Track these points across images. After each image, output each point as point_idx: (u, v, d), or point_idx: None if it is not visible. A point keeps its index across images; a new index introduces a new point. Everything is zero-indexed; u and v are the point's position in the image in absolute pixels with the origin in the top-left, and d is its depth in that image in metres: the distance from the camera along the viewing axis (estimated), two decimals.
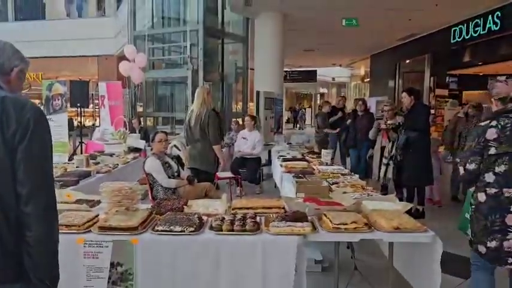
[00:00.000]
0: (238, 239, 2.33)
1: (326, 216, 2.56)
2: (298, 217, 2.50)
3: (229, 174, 6.60)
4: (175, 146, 7.43)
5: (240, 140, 7.16)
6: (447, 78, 12.12)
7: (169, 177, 4.23)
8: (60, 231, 2.28)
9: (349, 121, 7.30)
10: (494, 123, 2.47)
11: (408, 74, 14.25)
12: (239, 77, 11.83)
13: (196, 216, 2.54)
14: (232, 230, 2.36)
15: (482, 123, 2.55)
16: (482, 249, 2.53)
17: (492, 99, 2.59)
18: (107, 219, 2.41)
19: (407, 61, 14.08)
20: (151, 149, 4.50)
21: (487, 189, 2.47)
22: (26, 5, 19.74)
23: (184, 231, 2.33)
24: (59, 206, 2.68)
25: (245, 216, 2.54)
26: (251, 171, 6.90)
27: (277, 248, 2.31)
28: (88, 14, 19.70)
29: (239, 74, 11.77)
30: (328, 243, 2.82)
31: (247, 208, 2.77)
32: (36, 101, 19.89)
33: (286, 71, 16.20)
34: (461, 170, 2.60)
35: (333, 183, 3.73)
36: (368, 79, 19.29)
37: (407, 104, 5.29)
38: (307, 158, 5.70)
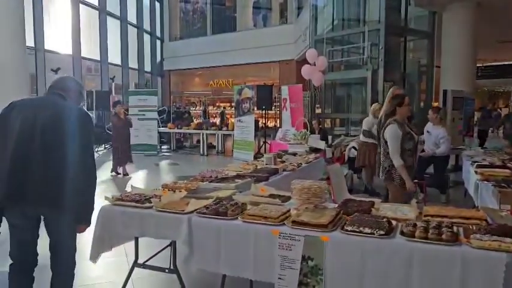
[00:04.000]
0: (434, 249, 2.17)
1: None
2: (507, 231, 2.20)
3: None
4: (353, 147, 7.43)
5: (424, 134, 6.62)
6: None
7: (406, 151, 3.49)
8: (257, 222, 2.54)
9: None
10: None
11: None
12: (422, 76, 11.07)
13: (385, 219, 2.48)
14: (427, 238, 2.22)
15: None
16: None
17: None
18: (299, 215, 2.56)
19: None
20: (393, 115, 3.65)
21: None
22: (221, 19, 22.44)
23: (374, 233, 2.30)
24: (256, 199, 2.99)
25: (440, 224, 2.36)
26: (437, 173, 6.34)
27: (480, 264, 2.08)
28: (272, 23, 21.17)
29: (423, 72, 11.01)
30: None
31: (442, 216, 2.57)
32: (226, 105, 22.33)
33: (477, 67, 14.36)
34: None
35: None
36: None
37: None
38: (509, 165, 4.96)
